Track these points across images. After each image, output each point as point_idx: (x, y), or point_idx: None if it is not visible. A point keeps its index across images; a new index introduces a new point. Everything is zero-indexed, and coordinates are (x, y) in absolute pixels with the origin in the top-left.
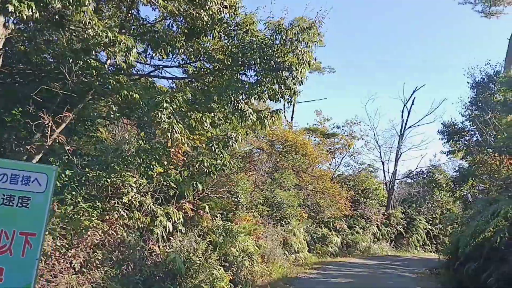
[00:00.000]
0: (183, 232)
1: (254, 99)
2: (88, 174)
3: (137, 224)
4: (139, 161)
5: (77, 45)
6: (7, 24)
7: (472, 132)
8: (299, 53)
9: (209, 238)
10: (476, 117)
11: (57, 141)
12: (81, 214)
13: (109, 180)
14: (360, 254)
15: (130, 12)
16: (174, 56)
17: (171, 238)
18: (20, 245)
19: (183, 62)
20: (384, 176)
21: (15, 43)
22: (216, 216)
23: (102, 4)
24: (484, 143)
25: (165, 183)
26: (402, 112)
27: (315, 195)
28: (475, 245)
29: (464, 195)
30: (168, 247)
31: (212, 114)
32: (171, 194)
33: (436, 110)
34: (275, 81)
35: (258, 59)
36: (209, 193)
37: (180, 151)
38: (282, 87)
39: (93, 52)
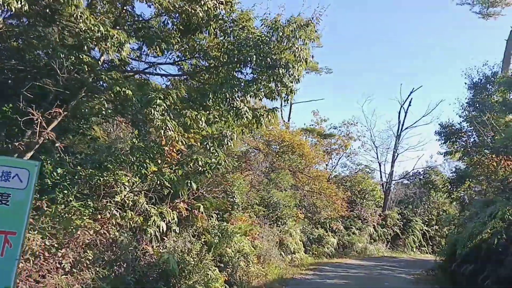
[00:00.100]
0: (177, 232)
1: (250, 97)
2: (81, 173)
3: (130, 224)
4: (132, 160)
5: (69, 39)
6: None
7: (470, 133)
8: (296, 50)
9: (204, 238)
10: (473, 118)
11: (48, 138)
12: (72, 213)
13: (102, 179)
14: (357, 255)
15: (124, 8)
16: (169, 53)
17: (165, 238)
18: None
19: (178, 59)
20: (381, 177)
21: (7, 39)
22: (212, 216)
23: (96, 0)
24: (482, 144)
25: (159, 182)
26: (399, 113)
27: (311, 196)
28: (472, 246)
29: (461, 196)
30: (161, 247)
31: (208, 112)
32: (165, 194)
33: (433, 112)
34: (272, 79)
35: (254, 56)
36: (204, 192)
37: (174, 149)
38: (279, 85)
39: (85, 47)
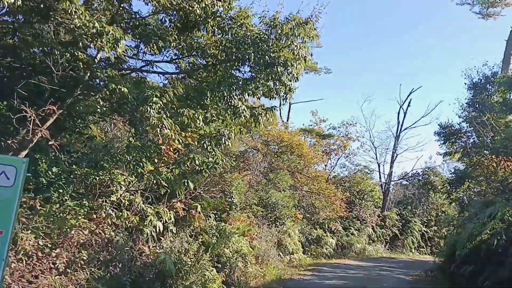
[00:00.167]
0: (174, 232)
1: (248, 95)
2: (76, 172)
3: (126, 224)
4: (128, 159)
5: (64, 36)
6: None
7: (469, 134)
8: (295, 48)
9: (201, 238)
10: (473, 119)
11: (42, 136)
12: (67, 213)
13: (97, 178)
14: (355, 256)
15: (121, 6)
16: (167, 51)
17: (162, 238)
18: None
19: (176, 57)
20: (380, 178)
21: (2, 36)
22: (210, 216)
23: None
24: (481, 144)
25: (155, 182)
26: (398, 113)
27: (310, 196)
28: (472, 247)
29: (460, 197)
30: (158, 248)
31: (205, 111)
32: (162, 193)
33: (432, 112)
34: (270, 77)
35: (253, 54)
36: (202, 192)
37: (171, 148)
38: (277, 84)
39: (80, 44)
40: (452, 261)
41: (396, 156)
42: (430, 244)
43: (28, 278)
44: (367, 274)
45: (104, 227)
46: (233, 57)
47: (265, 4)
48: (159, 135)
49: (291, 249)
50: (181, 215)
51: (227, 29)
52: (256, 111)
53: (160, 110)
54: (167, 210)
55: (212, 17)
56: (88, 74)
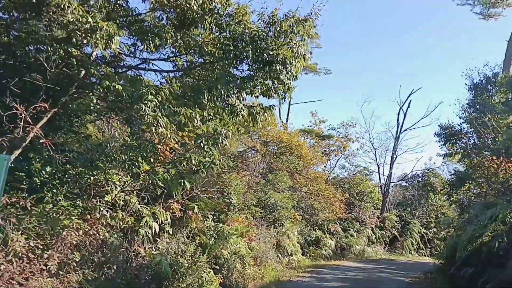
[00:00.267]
0: (171, 233)
1: (246, 94)
2: (71, 171)
3: (120, 224)
4: (123, 158)
5: (57, 31)
6: None
7: (470, 135)
8: (294, 46)
9: (199, 239)
10: (474, 119)
11: (34, 134)
12: (60, 213)
13: (92, 178)
14: (354, 258)
15: (118, 2)
16: (164, 49)
17: (158, 239)
18: None
19: (173, 55)
20: (379, 179)
21: None
22: (207, 217)
23: None
24: (482, 145)
25: (151, 182)
26: (398, 114)
27: (309, 197)
28: (472, 249)
29: (461, 199)
30: (154, 249)
31: (203, 110)
32: (158, 193)
33: (432, 113)
34: (268, 76)
35: (251, 52)
36: (199, 193)
37: (167, 148)
38: (276, 82)
39: (74, 40)
40: (452, 263)
41: (396, 158)
42: (430, 246)
43: (18, 280)
44: (367, 276)
45: (99, 228)
46: (231, 55)
47: (264, 1)
48: (154, 134)
49: (290, 251)
50: (177, 216)
51: (225, 26)
52: (254, 110)
53: (155, 108)
54: (163, 211)
55: (210, 14)
56: (83, 72)
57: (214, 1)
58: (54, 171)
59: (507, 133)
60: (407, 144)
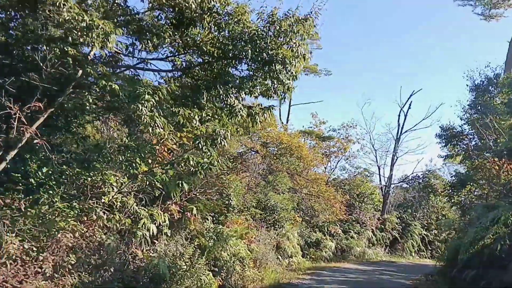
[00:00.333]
0: (169, 235)
1: (245, 94)
2: (67, 172)
3: (117, 226)
4: (121, 159)
5: (53, 30)
6: None
7: (471, 136)
8: (294, 46)
9: (197, 241)
10: (475, 121)
11: (30, 135)
12: (56, 215)
13: (89, 179)
14: (355, 259)
15: (116, 1)
16: (162, 48)
17: (156, 241)
18: None
19: (171, 54)
20: (380, 181)
21: None
22: (207, 219)
23: None
24: (483, 147)
25: (149, 183)
26: (399, 116)
27: (309, 199)
28: (474, 252)
29: (462, 200)
30: (152, 251)
31: (201, 110)
32: (156, 195)
33: (433, 114)
34: (268, 76)
35: (250, 52)
36: (198, 194)
37: (165, 148)
38: (275, 82)
39: (70, 38)
40: (453, 265)
41: (397, 159)
42: (430, 248)
43: (12, 283)
44: (367, 278)
45: (95, 229)
46: (230, 55)
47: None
48: (151, 134)
49: (290, 253)
50: (176, 217)
51: (223, 26)
52: (253, 111)
53: (152, 108)
54: (162, 213)
55: (208, 13)
56: (80, 72)
57: (213, 0)
58: (50, 172)
59: (509, 135)
60: (407, 145)
